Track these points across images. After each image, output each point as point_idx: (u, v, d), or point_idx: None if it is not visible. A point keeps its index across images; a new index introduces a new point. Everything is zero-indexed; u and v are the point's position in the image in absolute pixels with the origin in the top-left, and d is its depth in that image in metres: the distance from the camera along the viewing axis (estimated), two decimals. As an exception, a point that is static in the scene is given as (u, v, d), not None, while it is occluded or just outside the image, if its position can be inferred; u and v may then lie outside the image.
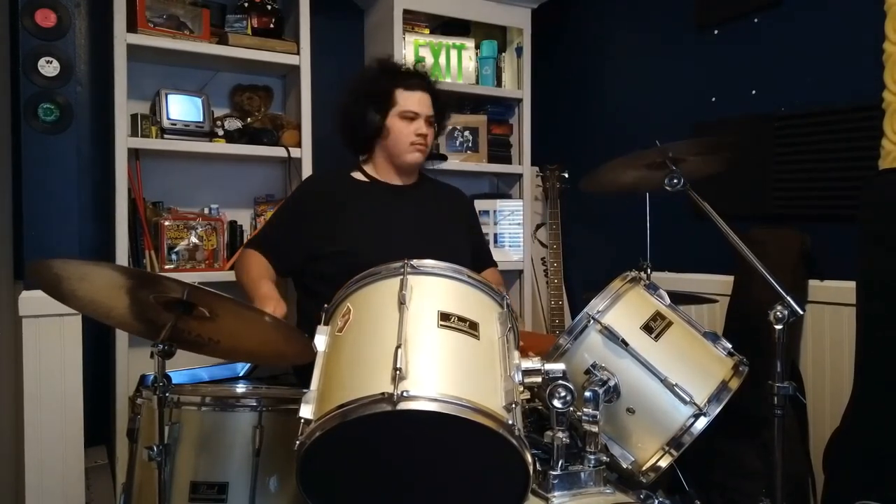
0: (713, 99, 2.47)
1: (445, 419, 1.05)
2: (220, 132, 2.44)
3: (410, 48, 2.82)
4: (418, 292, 1.21)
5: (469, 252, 2.07)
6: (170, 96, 2.34)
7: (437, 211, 2.10)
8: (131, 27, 2.24)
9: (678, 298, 1.54)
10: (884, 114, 1.91)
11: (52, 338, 2.05)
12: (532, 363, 1.20)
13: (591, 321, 1.39)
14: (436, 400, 1.05)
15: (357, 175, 2.08)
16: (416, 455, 1.15)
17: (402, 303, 1.17)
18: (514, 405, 1.10)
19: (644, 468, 1.37)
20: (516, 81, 3.03)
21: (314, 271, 1.94)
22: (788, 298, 1.45)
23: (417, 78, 2.05)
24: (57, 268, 1.34)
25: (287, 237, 1.98)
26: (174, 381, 1.39)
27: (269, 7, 2.54)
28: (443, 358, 1.14)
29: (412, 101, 1.99)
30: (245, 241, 2.57)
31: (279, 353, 1.52)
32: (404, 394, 1.03)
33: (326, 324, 1.27)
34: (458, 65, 2.91)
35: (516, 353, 1.20)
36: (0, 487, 2.28)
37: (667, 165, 1.63)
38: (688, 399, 1.34)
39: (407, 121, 1.99)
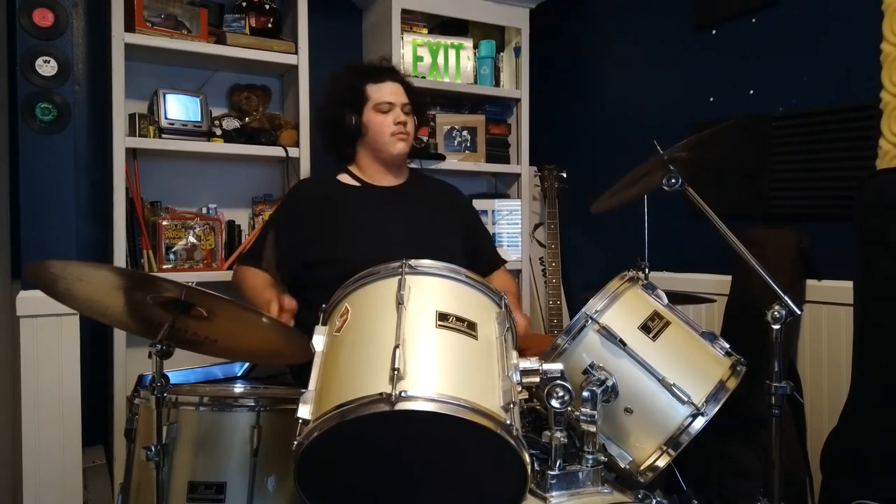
0: (711, 99, 2.47)
1: (443, 419, 1.05)
2: (218, 132, 2.44)
3: (409, 48, 2.82)
4: (416, 292, 1.21)
5: (462, 252, 2.02)
6: (167, 96, 2.34)
7: (429, 212, 2.05)
8: (129, 27, 2.24)
9: (676, 298, 1.54)
10: (881, 114, 1.92)
11: (49, 338, 2.05)
12: (530, 363, 1.20)
13: (589, 321, 1.39)
14: (434, 400, 1.05)
15: (345, 178, 2.05)
16: (414, 455, 1.15)
17: (400, 303, 1.17)
18: (512, 405, 1.10)
19: (642, 468, 1.37)
20: (514, 81, 3.04)
21: (308, 279, 1.92)
22: (786, 298, 1.46)
23: (385, 71, 2.06)
24: (54, 268, 1.34)
25: (282, 246, 1.93)
26: (172, 381, 1.39)
27: (267, 7, 2.54)
28: (441, 358, 1.14)
29: (384, 92, 2.00)
30: (242, 241, 2.57)
31: (278, 352, 1.52)
32: (402, 394, 1.03)
33: (324, 324, 1.27)
34: (457, 64, 2.91)
35: (514, 353, 1.20)
36: (-3, 487, 2.29)
37: (665, 165, 1.63)
38: (685, 399, 1.34)
39: (383, 113, 1.98)
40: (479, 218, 2.27)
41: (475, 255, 2.07)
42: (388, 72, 2.06)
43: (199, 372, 1.97)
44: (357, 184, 2.03)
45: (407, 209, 2.02)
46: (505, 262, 2.23)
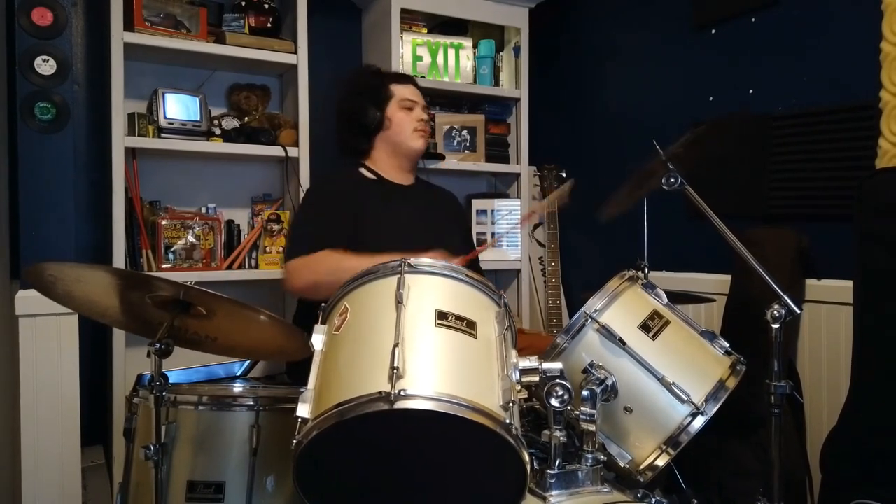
0: (711, 98, 2.47)
1: (443, 418, 1.04)
2: (218, 131, 2.44)
3: (408, 47, 2.82)
4: (416, 291, 1.20)
5: (465, 253, 2.07)
6: (167, 95, 2.34)
7: (437, 212, 2.13)
8: (128, 26, 2.24)
9: (676, 297, 1.54)
10: (881, 113, 1.91)
11: (48, 337, 2.05)
12: (529, 362, 1.19)
13: (589, 320, 1.39)
14: (433, 399, 1.05)
15: (364, 172, 2.09)
16: (413, 454, 1.15)
17: (399, 302, 1.16)
18: (511, 404, 1.10)
19: (641, 467, 1.37)
20: (514, 81, 3.04)
21: None
22: (785, 297, 1.45)
23: (407, 76, 2.19)
24: (52, 270, 1.34)
25: (330, 228, 1.87)
26: (175, 381, 1.39)
27: (266, 6, 2.54)
28: (440, 357, 1.13)
29: (408, 91, 2.09)
30: (242, 240, 2.56)
31: (278, 348, 1.52)
32: (401, 393, 1.03)
33: (323, 323, 1.27)
34: (456, 64, 2.91)
35: (514, 352, 1.20)
36: (-4, 487, 2.28)
37: (664, 165, 1.63)
38: (685, 398, 1.33)
39: (406, 110, 2.06)
40: (469, 222, 2.44)
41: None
42: (410, 78, 2.19)
43: (201, 371, 1.97)
44: (374, 177, 2.07)
45: (421, 208, 2.09)
46: (481, 271, 2.28)
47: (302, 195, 2.32)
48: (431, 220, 2.07)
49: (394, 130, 2.05)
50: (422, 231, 2.00)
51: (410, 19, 2.88)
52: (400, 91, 2.08)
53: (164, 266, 2.34)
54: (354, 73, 2.19)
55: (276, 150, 2.49)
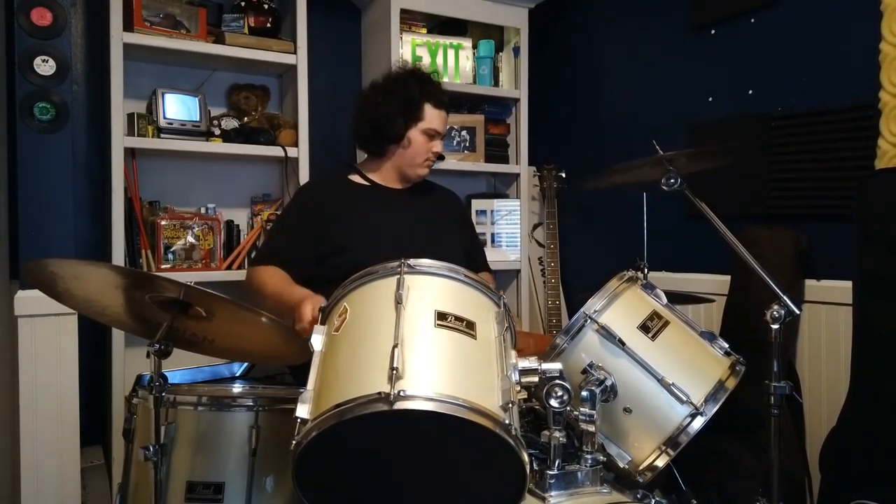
0: (710, 99, 2.47)
1: (442, 418, 1.04)
2: (217, 132, 2.44)
3: (408, 48, 2.82)
4: (415, 292, 1.20)
5: (463, 253, 2.07)
6: (166, 95, 2.34)
7: (433, 212, 2.10)
8: (128, 26, 2.24)
9: (675, 298, 1.54)
10: (880, 114, 1.92)
11: (48, 337, 2.05)
12: (529, 363, 1.19)
13: (588, 321, 1.39)
14: (432, 399, 1.05)
15: (355, 178, 2.07)
16: (412, 455, 1.15)
17: (398, 302, 1.16)
18: (510, 404, 1.10)
19: (641, 468, 1.37)
20: (513, 81, 3.03)
21: (318, 275, 1.92)
22: (785, 298, 1.45)
23: (446, 98, 2.06)
24: (53, 267, 1.34)
25: (295, 243, 1.95)
26: (179, 380, 1.39)
27: (265, 6, 2.54)
28: (439, 357, 1.13)
29: (438, 120, 2.01)
30: (241, 241, 2.57)
31: (276, 352, 1.52)
32: (401, 393, 1.03)
33: (323, 323, 1.27)
34: (456, 64, 2.91)
35: (513, 353, 1.20)
36: (-4, 488, 2.28)
37: (664, 165, 1.63)
38: (684, 398, 1.34)
39: (428, 137, 2.00)
40: (473, 223, 2.36)
41: (467, 256, 2.11)
42: (446, 100, 2.05)
43: (205, 371, 1.97)
44: (367, 183, 2.05)
45: (413, 209, 2.06)
46: (491, 269, 2.25)
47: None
48: (425, 222, 2.05)
49: (408, 153, 2.00)
50: (412, 233, 1.99)
51: (410, 19, 2.87)
52: (430, 118, 1.99)
53: (163, 266, 2.34)
54: (400, 71, 2.06)
55: (275, 151, 2.49)
